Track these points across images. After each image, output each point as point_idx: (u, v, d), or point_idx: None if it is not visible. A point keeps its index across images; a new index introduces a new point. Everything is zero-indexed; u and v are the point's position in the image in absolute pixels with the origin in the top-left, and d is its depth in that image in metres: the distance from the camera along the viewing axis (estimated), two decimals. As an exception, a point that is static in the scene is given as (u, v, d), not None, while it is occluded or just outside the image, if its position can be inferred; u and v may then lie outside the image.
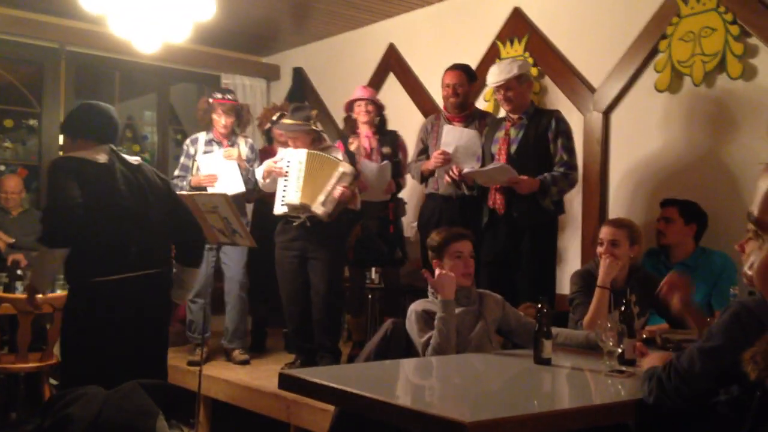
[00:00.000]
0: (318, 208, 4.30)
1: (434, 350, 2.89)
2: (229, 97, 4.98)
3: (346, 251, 4.82)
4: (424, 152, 4.57)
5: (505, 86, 4.02)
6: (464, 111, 4.52)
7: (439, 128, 4.50)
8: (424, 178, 4.53)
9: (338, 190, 4.29)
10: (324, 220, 4.33)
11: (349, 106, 4.92)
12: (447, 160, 4.25)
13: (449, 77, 4.48)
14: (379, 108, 4.88)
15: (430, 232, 4.35)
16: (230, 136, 4.98)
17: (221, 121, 4.89)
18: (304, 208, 4.33)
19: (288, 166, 4.37)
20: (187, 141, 5.06)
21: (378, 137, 4.84)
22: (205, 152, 4.90)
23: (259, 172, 4.56)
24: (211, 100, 4.94)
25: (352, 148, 4.82)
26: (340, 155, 4.47)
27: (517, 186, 3.89)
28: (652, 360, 2.45)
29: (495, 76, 4.07)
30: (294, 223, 4.42)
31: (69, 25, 6.03)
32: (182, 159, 4.99)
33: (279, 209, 4.43)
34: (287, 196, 4.35)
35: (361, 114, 4.82)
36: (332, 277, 4.48)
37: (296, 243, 4.47)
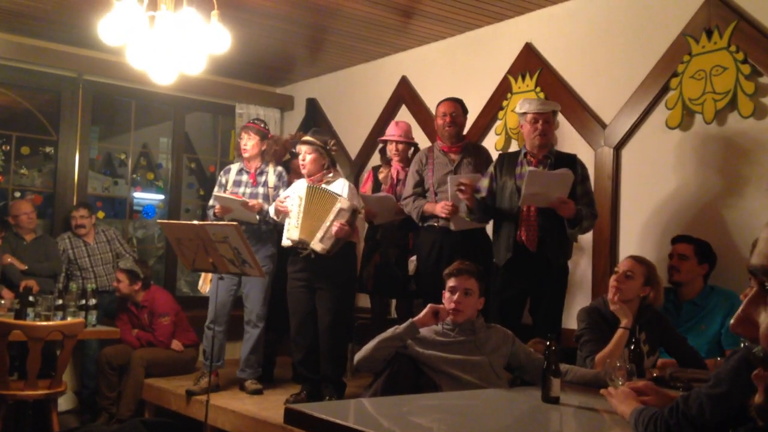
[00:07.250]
0: (316, 245, 4.35)
1: (360, 354, 3.17)
2: (257, 122, 5.13)
3: (365, 280, 4.83)
4: (420, 185, 4.59)
5: (545, 118, 4.01)
6: (460, 141, 4.59)
7: (434, 160, 4.54)
8: (424, 217, 4.51)
9: (336, 227, 4.32)
10: (325, 255, 4.36)
11: (383, 141, 5.09)
12: (455, 211, 4.29)
13: (445, 107, 4.55)
14: (410, 144, 5.03)
15: (431, 265, 4.36)
16: (257, 163, 5.03)
17: (245, 142, 4.98)
18: (303, 243, 4.40)
19: (291, 202, 4.47)
20: (221, 171, 5.19)
21: (407, 169, 4.91)
22: (235, 181, 5.02)
23: (272, 210, 4.67)
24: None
25: (381, 177, 4.99)
26: (344, 187, 4.50)
27: (564, 207, 3.85)
28: (622, 400, 2.37)
29: (536, 105, 4.04)
30: (301, 255, 4.48)
31: (87, 54, 6.12)
32: (215, 189, 5.10)
33: (284, 242, 4.55)
34: (289, 231, 4.44)
35: (391, 152, 4.99)
36: (338, 308, 4.49)
37: (304, 274, 4.53)
